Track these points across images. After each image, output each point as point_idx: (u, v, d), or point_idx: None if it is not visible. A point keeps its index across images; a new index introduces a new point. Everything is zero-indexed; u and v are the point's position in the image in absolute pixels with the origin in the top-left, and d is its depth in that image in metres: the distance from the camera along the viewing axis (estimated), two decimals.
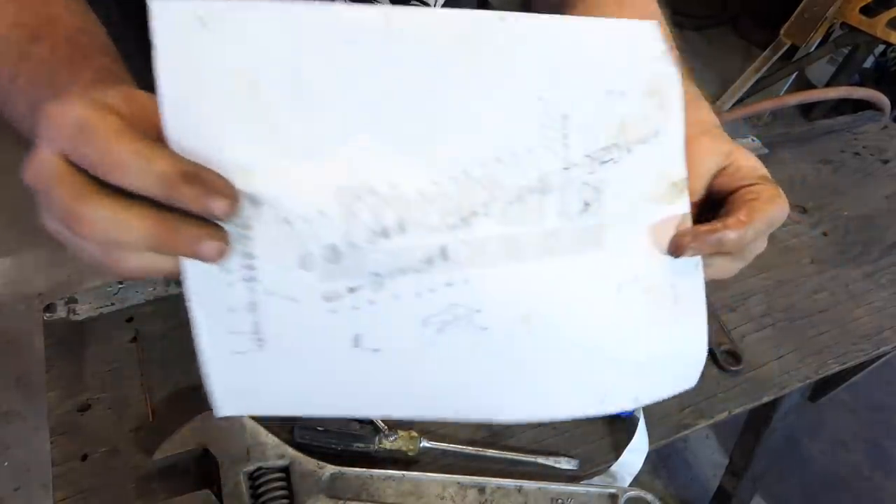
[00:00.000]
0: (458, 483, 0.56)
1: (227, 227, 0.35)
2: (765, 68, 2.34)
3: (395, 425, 0.59)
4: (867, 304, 0.75)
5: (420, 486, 0.55)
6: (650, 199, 0.44)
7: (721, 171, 0.47)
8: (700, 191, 0.47)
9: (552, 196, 0.41)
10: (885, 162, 0.94)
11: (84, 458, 0.57)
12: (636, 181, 0.44)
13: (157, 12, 0.32)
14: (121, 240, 0.33)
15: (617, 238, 0.44)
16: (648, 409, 0.63)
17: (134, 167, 0.32)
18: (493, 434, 0.62)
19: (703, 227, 0.44)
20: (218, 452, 0.54)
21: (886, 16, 1.97)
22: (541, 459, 0.59)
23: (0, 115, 0.47)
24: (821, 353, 0.72)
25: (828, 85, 2.25)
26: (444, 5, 0.61)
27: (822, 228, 0.86)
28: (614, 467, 0.60)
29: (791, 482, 1.46)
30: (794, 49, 2.33)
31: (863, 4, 2.01)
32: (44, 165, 0.33)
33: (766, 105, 0.89)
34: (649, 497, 0.56)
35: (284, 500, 0.53)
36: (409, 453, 0.58)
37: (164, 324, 0.66)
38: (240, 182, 0.35)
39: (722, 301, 0.76)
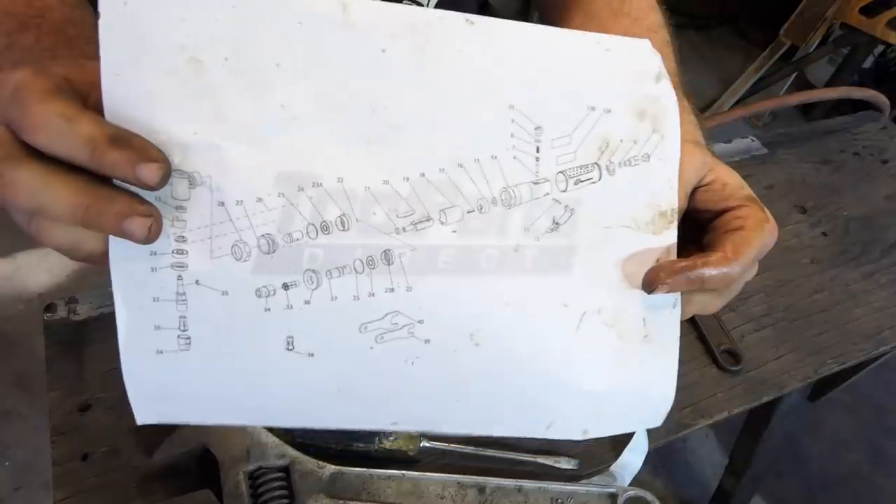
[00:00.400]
0: (458, 483, 0.56)
1: (159, 205, 0.34)
2: (764, 68, 2.34)
3: None
4: (867, 303, 0.75)
5: (420, 485, 0.56)
6: (632, 226, 0.42)
7: (705, 187, 0.45)
8: (682, 200, 0.44)
9: (517, 210, 0.39)
10: (885, 162, 0.94)
11: (84, 457, 0.57)
12: (617, 206, 0.41)
13: None
14: (45, 208, 0.32)
15: (587, 264, 0.41)
16: None
17: (57, 129, 0.31)
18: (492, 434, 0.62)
19: (681, 263, 0.41)
20: (218, 452, 0.54)
21: (886, 16, 1.97)
22: (541, 459, 0.59)
23: None
24: (820, 353, 0.72)
25: (827, 85, 2.25)
26: (437, 5, 0.61)
27: (822, 228, 0.86)
28: (614, 467, 0.60)
29: (790, 482, 1.46)
30: (793, 49, 2.33)
31: (862, 4, 2.01)
32: None
33: (765, 105, 0.89)
34: (649, 497, 0.56)
35: (284, 500, 0.53)
36: (409, 453, 0.58)
37: None
38: (177, 160, 0.34)
39: None
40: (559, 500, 0.56)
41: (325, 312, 0.38)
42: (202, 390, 0.39)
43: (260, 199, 0.35)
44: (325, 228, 0.36)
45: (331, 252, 0.37)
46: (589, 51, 0.40)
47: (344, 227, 0.37)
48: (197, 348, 0.37)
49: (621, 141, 0.41)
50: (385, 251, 0.38)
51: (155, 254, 0.35)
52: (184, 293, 0.36)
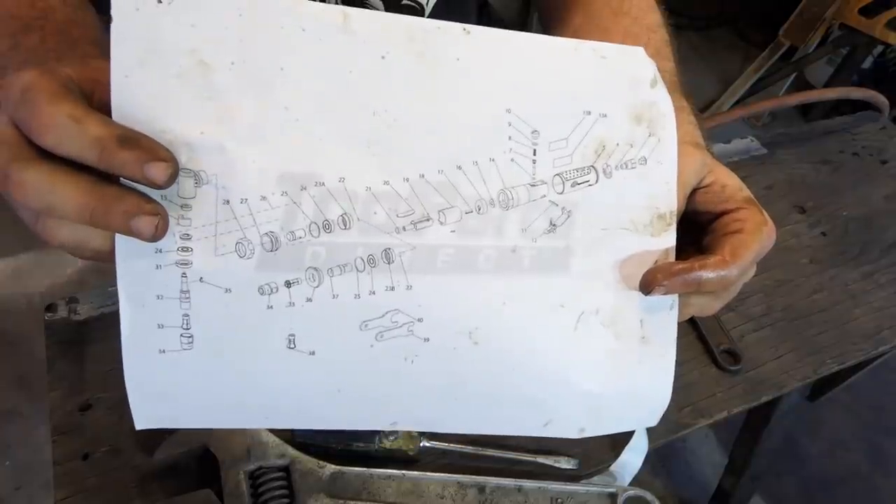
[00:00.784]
0: (458, 483, 0.56)
1: (165, 204, 0.35)
2: (764, 69, 2.35)
3: None
4: (866, 303, 0.75)
5: (420, 485, 0.56)
6: (630, 228, 0.43)
7: (705, 188, 0.46)
8: (681, 202, 0.45)
9: (515, 212, 0.40)
10: (884, 162, 0.94)
11: (85, 457, 0.57)
12: (614, 208, 0.42)
13: None
14: (53, 207, 0.32)
15: (584, 265, 0.42)
16: None
17: (66, 130, 0.31)
18: (493, 434, 0.62)
19: (678, 265, 0.42)
20: (218, 452, 0.54)
21: (885, 16, 1.97)
22: (541, 459, 0.60)
23: None
24: (819, 353, 0.72)
25: (827, 85, 2.25)
26: (437, 4, 0.61)
27: (822, 228, 0.86)
28: (614, 467, 0.60)
29: (790, 481, 1.46)
30: (793, 50, 2.33)
31: (862, 5, 2.01)
32: None
33: (765, 105, 0.89)
34: (649, 496, 0.56)
35: (285, 500, 0.53)
36: (409, 453, 0.58)
37: None
38: (183, 159, 0.35)
39: None
40: (559, 500, 0.56)
41: (327, 310, 0.38)
42: (203, 391, 0.39)
43: (264, 198, 0.36)
44: (326, 227, 0.37)
45: (333, 250, 0.37)
46: (585, 58, 0.41)
47: (346, 226, 0.37)
48: (199, 347, 0.37)
49: (618, 144, 0.42)
50: (385, 250, 0.38)
51: (160, 251, 0.36)
52: (187, 291, 0.36)
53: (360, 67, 0.37)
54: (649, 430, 0.62)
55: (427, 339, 0.41)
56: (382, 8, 0.58)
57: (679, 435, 0.65)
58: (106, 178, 0.33)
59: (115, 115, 0.34)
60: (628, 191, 0.42)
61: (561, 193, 0.41)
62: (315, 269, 0.38)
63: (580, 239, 0.42)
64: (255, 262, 0.37)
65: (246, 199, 0.36)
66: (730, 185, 0.45)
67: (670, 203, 0.43)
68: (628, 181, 0.42)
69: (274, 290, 0.37)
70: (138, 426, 0.39)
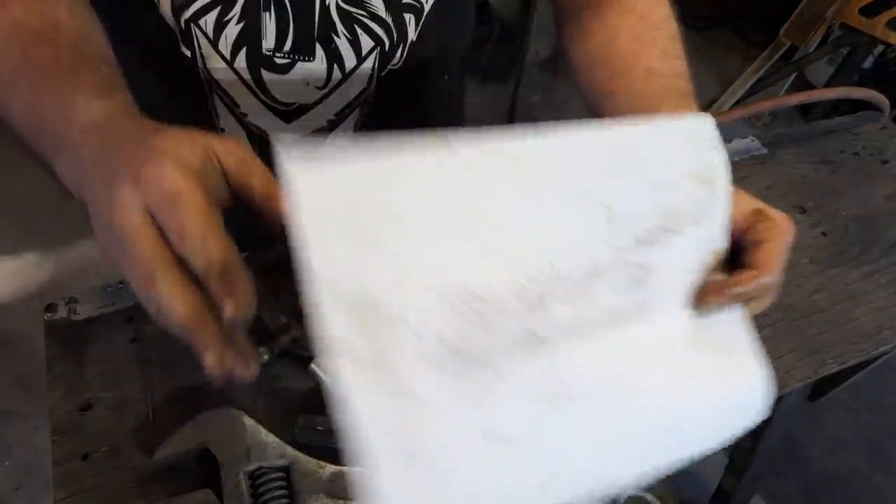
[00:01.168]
0: None
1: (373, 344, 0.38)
2: (764, 69, 2.35)
3: None
4: (866, 303, 0.75)
5: None
6: (696, 269, 0.49)
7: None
8: None
9: (606, 277, 0.46)
10: (885, 162, 0.94)
11: (85, 457, 0.57)
12: (686, 257, 0.48)
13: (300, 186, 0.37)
14: (165, 313, 0.37)
15: (665, 305, 0.48)
16: None
17: (196, 245, 0.36)
18: None
19: (724, 283, 0.48)
20: (218, 452, 0.54)
21: (886, 16, 1.97)
22: None
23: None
24: (820, 353, 0.72)
25: (827, 85, 2.25)
26: (434, 5, 0.61)
27: (822, 228, 0.86)
28: None
29: (790, 482, 1.46)
30: (793, 49, 2.33)
31: (862, 5, 2.01)
32: (130, 214, 0.37)
33: (765, 105, 0.89)
34: (649, 497, 0.56)
35: (285, 500, 0.53)
36: None
37: None
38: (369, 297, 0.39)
39: None
40: None
41: (506, 395, 0.42)
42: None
43: (431, 310, 0.40)
44: (486, 324, 0.42)
45: (497, 342, 0.42)
46: (649, 133, 0.47)
47: (500, 319, 0.42)
48: (417, 460, 0.39)
49: (686, 206, 0.48)
50: (532, 332, 0.43)
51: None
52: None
53: (482, 192, 0.42)
54: None
55: (588, 397, 0.45)
56: (383, 7, 0.58)
57: None
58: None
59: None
60: (695, 241, 0.48)
61: (642, 255, 0.47)
62: (489, 360, 0.42)
63: (659, 287, 0.48)
64: (436, 367, 0.40)
65: (418, 315, 0.40)
66: (738, 207, 0.50)
67: (724, 241, 0.50)
68: (695, 233, 0.48)
69: (457, 388, 0.41)
70: None
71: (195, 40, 0.56)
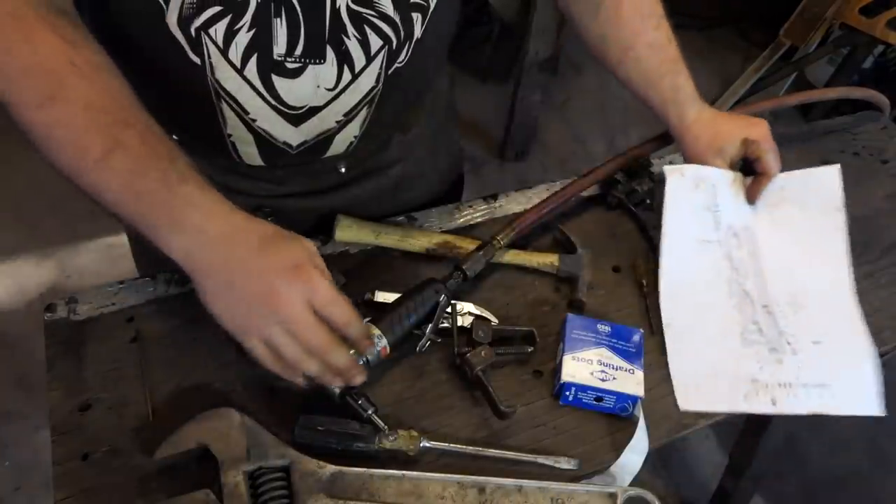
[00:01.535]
0: (458, 483, 0.56)
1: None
2: (764, 68, 2.35)
3: (395, 425, 0.59)
4: (866, 303, 0.75)
5: (420, 485, 0.56)
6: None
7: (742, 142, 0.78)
8: (737, 152, 0.78)
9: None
10: (885, 162, 0.94)
11: (85, 457, 0.57)
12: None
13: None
14: (321, 375, 0.54)
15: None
16: (648, 409, 0.63)
17: (356, 331, 0.55)
18: (492, 434, 0.62)
19: (755, 187, 0.79)
20: (218, 452, 0.54)
21: (886, 16, 1.96)
22: (541, 459, 0.60)
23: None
24: None
25: (827, 85, 2.24)
26: (437, 5, 0.61)
27: None
28: (614, 467, 0.60)
29: (790, 482, 1.46)
30: (793, 49, 2.33)
31: (862, 5, 2.00)
32: (298, 312, 0.51)
33: (765, 105, 0.89)
34: (649, 497, 0.56)
35: (284, 500, 0.53)
36: (410, 453, 0.58)
37: (164, 324, 0.66)
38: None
39: None
40: (559, 500, 0.56)
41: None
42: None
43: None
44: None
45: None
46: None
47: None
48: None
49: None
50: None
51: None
52: None
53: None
54: (650, 431, 0.62)
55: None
56: (391, 6, 0.58)
57: (680, 435, 0.65)
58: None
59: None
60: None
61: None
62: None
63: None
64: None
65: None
66: (730, 141, 0.78)
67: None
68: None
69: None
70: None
71: (205, 49, 0.56)
